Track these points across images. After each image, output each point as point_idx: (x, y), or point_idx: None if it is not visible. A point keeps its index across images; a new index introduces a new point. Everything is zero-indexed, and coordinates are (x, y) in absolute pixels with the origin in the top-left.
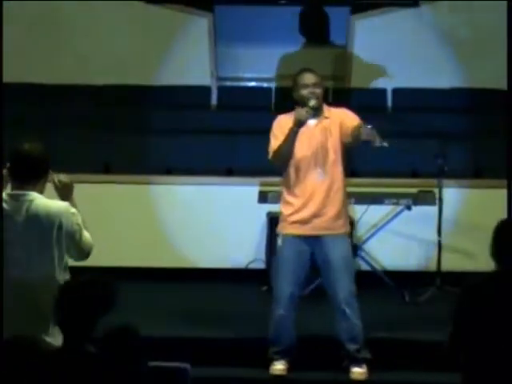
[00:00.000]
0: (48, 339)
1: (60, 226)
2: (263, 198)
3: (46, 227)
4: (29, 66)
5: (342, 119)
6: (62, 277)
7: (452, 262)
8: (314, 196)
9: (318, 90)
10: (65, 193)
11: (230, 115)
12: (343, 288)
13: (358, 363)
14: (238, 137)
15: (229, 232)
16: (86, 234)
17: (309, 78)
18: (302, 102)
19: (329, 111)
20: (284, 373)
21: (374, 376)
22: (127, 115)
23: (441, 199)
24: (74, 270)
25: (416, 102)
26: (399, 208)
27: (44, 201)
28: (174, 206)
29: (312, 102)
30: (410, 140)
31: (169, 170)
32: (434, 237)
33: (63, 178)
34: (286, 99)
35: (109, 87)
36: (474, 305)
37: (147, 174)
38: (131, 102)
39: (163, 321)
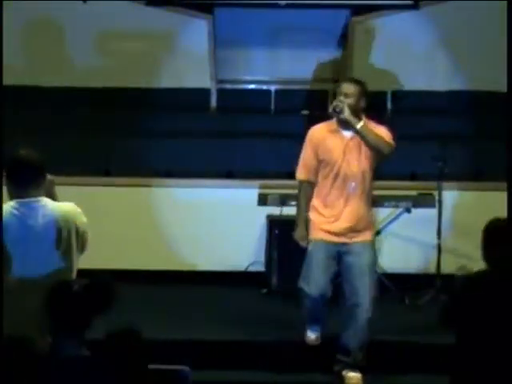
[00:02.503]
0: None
1: (77, 228)
2: (263, 200)
3: (64, 230)
4: (29, 68)
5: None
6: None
7: (452, 265)
8: (345, 209)
9: (349, 101)
10: (49, 189)
11: (230, 118)
12: (365, 295)
13: (353, 369)
14: (237, 139)
15: (228, 234)
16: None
17: (344, 88)
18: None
19: (367, 123)
20: (317, 343)
21: (373, 379)
22: (127, 118)
23: (440, 202)
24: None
25: (416, 105)
26: (399, 211)
27: (54, 204)
28: (173, 209)
29: (337, 107)
30: (409, 142)
31: (169, 173)
32: (433, 239)
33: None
34: (286, 102)
35: (109, 90)
36: (467, 304)
37: (147, 177)
38: (131, 104)
39: (163, 324)
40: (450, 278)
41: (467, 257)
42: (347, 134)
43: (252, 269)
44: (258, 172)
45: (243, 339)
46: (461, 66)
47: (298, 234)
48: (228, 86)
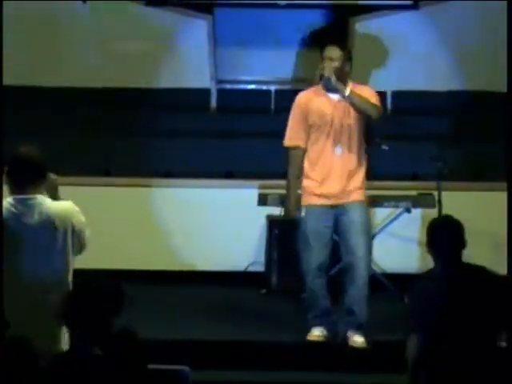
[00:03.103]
0: (54, 341)
1: (73, 227)
2: (263, 200)
3: (60, 228)
4: (29, 68)
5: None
6: (71, 277)
7: None
8: (333, 170)
9: (335, 64)
10: (51, 190)
11: (230, 118)
12: (361, 247)
13: (358, 328)
14: (237, 139)
15: (228, 235)
16: (87, 232)
17: (329, 52)
18: (322, 75)
19: (353, 87)
20: (322, 339)
21: (373, 379)
22: (127, 118)
23: (440, 202)
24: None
25: (415, 105)
26: (398, 211)
27: (50, 202)
28: (173, 209)
29: (326, 72)
30: (409, 142)
31: (169, 173)
32: None
33: (51, 176)
34: (286, 102)
35: (109, 90)
36: (422, 305)
37: (147, 177)
38: (131, 104)
39: (163, 323)
40: None
41: (467, 257)
42: (334, 96)
43: (252, 269)
44: (258, 172)
45: (243, 339)
46: (460, 66)
47: (288, 206)
48: (228, 86)
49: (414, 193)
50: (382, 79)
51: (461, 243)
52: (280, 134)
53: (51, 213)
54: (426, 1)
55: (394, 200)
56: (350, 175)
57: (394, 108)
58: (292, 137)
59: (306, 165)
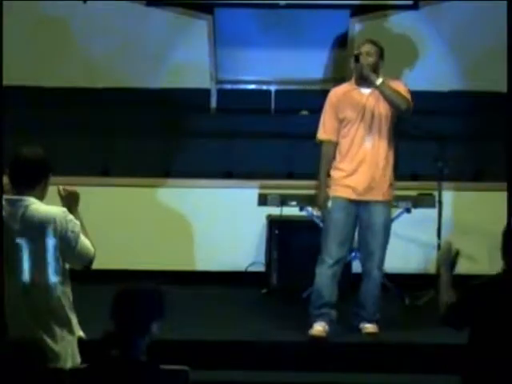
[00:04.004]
0: (52, 344)
1: (54, 232)
2: (263, 200)
3: (39, 232)
4: (28, 69)
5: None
6: (60, 282)
7: None
8: (363, 163)
9: (371, 59)
10: (70, 202)
11: (230, 118)
12: (378, 249)
13: (370, 321)
14: (237, 139)
15: (228, 235)
16: (86, 242)
17: (365, 47)
18: (355, 65)
19: (386, 80)
20: (323, 334)
21: (373, 379)
22: (126, 118)
23: (440, 202)
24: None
25: (416, 105)
26: (399, 211)
27: (39, 206)
28: (173, 209)
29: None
30: (409, 142)
31: (168, 173)
32: (433, 240)
33: (68, 187)
34: (286, 102)
35: (108, 90)
36: (479, 305)
37: (146, 177)
38: (130, 104)
39: (163, 324)
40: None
41: (467, 257)
42: (366, 90)
43: (252, 269)
44: (258, 172)
45: (243, 339)
46: (460, 66)
47: (318, 200)
48: (228, 86)
49: (414, 193)
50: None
51: None
52: (280, 134)
53: (34, 215)
54: (425, 1)
55: (395, 200)
56: (378, 168)
57: None
58: (324, 131)
59: (337, 157)
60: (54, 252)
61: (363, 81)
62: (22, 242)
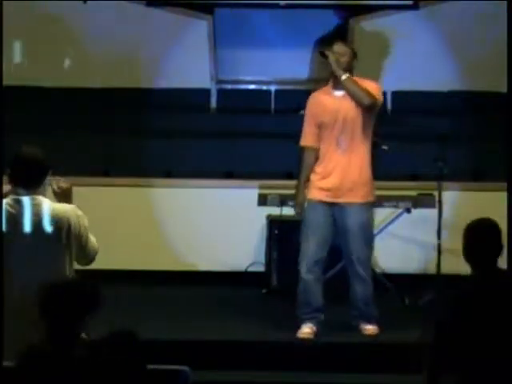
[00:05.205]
0: None
1: (69, 229)
2: (263, 200)
3: (55, 230)
4: (28, 68)
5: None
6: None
7: (451, 265)
8: (338, 166)
9: (344, 59)
10: (64, 198)
11: (230, 118)
12: (357, 250)
13: (369, 320)
14: (237, 139)
15: (228, 235)
16: (92, 238)
17: (337, 48)
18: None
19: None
20: (311, 336)
21: (373, 379)
22: (127, 118)
23: (440, 202)
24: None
25: (416, 105)
26: (399, 211)
27: (51, 204)
28: (173, 209)
29: (330, 59)
30: (409, 142)
31: (168, 173)
32: (433, 240)
33: (63, 183)
34: (286, 102)
35: (108, 90)
36: (455, 315)
37: (147, 177)
38: (131, 104)
39: (163, 324)
40: (449, 278)
41: None
42: (339, 93)
43: (252, 269)
44: (258, 172)
45: (243, 339)
46: (460, 66)
47: (296, 201)
48: (228, 86)
49: (413, 193)
50: (382, 79)
51: (499, 247)
52: (280, 134)
53: (48, 214)
54: (426, 1)
55: (394, 200)
56: (353, 171)
57: (394, 108)
58: (304, 138)
59: (316, 163)
60: (69, 249)
61: (335, 80)
62: (36, 239)
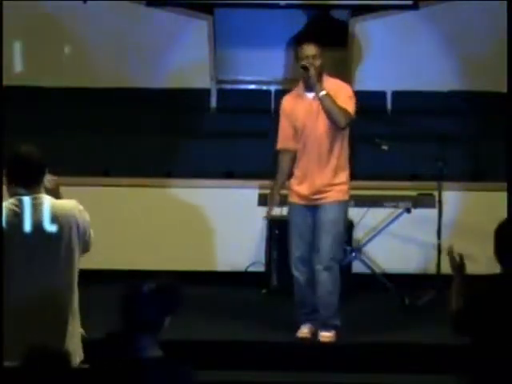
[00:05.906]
0: (67, 341)
1: (77, 225)
2: (263, 200)
3: (60, 228)
4: (29, 69)
5: (334, 96)
6: (76, 276)
7: None
8: (311, 169)
9: (318, 62)
10: (54, 193)
11: (230, 118)
12: (325, 250)
13: (327, 328)
14: (237, 139)
15: (228, 235)
16: (91, 230)
17: (307, 50)
18: (303, 73)
19: (327, 82)
20: (308, 335)
21: (373, 379)
22: (127, 118)
23: (440, 202)
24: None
25: (416, 105)
26: (399, 211)
27: (55, 202)
28: (173, 209)
29: (311, 72)
30: (409, 143)
31: (168, 173)
32: (433, 240)
33: (49, 176)
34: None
35: (108, 90)
36: (479, 309)
37: (147, 177)
38: (131, 104)
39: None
40: (450, 278)
41: (467, 257)
42: (310, 95)
43: (252, 269)
44: (258, 172)
45: (243, 339)
46: (460, 66)
47: (268, 202)
48: (228, 86)
49: (413, 193)
50: (382, 79)
51: None
52: None
53: (55, 212)
54: (426, 1)
55: (394, 200)
56: (327, 172)
57: (394, 108)
58: (280, 140)
59: (295, 166)
60: (75, 244)
61: (307, 81)
62: (44, 238)
